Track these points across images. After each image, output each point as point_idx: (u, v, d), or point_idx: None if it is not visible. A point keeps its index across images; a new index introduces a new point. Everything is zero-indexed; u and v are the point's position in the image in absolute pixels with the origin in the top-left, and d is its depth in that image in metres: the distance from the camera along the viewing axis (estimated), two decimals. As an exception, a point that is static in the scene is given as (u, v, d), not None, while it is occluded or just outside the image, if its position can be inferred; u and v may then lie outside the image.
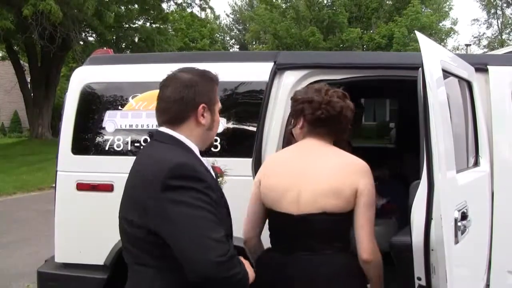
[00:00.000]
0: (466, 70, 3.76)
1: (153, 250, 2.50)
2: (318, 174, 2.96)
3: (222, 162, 3.92)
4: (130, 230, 2.57)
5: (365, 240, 2.88)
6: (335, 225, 2.93)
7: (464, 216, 3.00)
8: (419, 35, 2.96)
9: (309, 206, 2.92)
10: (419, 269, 2.89)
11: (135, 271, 2.62)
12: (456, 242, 2.91)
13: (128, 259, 2.66)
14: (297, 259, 2.95)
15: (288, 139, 3.78)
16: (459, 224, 2.92)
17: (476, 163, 3.82)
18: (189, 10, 46.55)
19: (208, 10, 45.07)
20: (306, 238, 2.94)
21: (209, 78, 2.84)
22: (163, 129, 2.70)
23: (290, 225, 2.98)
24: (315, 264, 2.91)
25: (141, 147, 4.08)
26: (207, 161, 2.74)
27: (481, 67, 4.01)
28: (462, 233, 2.98)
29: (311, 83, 4.05)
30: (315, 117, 3.10)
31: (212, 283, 2.34)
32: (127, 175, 2.66)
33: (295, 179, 2.99)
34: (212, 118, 2.75)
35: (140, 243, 2.53)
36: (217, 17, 66.77)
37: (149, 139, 2.77)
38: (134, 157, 4.04)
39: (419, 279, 2.90)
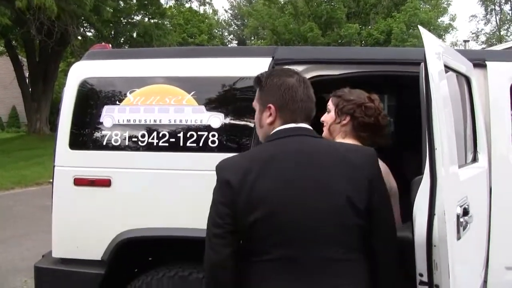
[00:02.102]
0: (464, 65, 3.76)
1: (362, 236, 2.62)
2: None
3: (220, 158, 3.94)
4: (353, 220, 2.57)
5: None
6: None
7: (465, 212, 2.99)
8: (422, 30, 2.95)
9: None
10: (421, 265, 2.88)
11: (349, 261, 2.59)
12: (459, 238, 2.91)
13: (330, 252, 2.56)
14: None
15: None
16: (461, 220, 2.92)
17: (475, 159, 3.82)
18: (187, 5, 46.58)
19: (207, 5, 45.09)
20: None
21: None
22: (306, 125, 2.76)
23: None
24: None
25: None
26: None
27: (479, 63, 4.01)
28: (464, 229, 2.97)
29: (309, 79, 4.05)
30: (365, 122, 3.42)
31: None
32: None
33: None
34: None
35: (359, 231, 2.60)
36: (215, 12, 66.75)
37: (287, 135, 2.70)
38: (132, 152, 4.08)
39: (421, 275, 2.90)
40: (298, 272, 2.52)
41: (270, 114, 2.76)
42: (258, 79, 2.88)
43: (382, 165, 3.05)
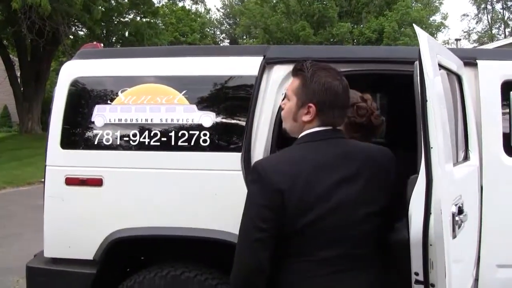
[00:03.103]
0: (455, 63, 3.76)
1: (378, 239, 2.80)
2: None
3: (211, 157, 3.94)
4: (371, 226, 2.73)
5: None
6: None
7: (460, 211, 3.00)
8: (417, 28, 2.96)
9: None
10: (416, 264, 2.88)
11: (377, 254, 2.81)
12: (454, 236, 2.91)
13: (368, 252, 2.77)
14: None
15: None
16: (456, 218, 2.92)
17: (466, 157, 3.83)
18: (180, 4, 46.53)
19: (200, 4, 45.04)
20: None
21: None
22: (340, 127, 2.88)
23: None
24: None
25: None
26: None
27: (470, 61, 4.01)
28: (459, 227, 2.98)
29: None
30: (357, 122, 3.40)
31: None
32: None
33: None
34: None
35: (376, 235, 2.78)
36: (208, 11, 66.71)
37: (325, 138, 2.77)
38: (124, 151, 4.07)
39: (417, 274, 2.90)
40: (339, 269, 2.64)
41: (309, 113, 2.75)
42: (301, 70, 2.85)
43: None
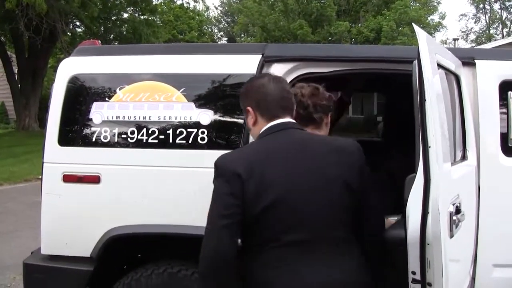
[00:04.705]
0: (454, 63, 3.77)
1: (353, 222, 2.82)
2: None
3: (209, 155, 3.93)
4: (349, 201, 2.78)
5: None
6: None
7: (458, 210, 3.01)
8: (416, 28, 2.96)
9: None
10: (414, 264, 2.89)
11: (350, 240, 2.81)
12: (451, 236, 2.92)
13: (334, 231, 2.77)
14: None
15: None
16: (453, 218, 2.93)
17: (464, 157, 3.84)
18: (179, 1, 46.46)
19: (199, 2, 44.99)
20: None
21: None
22: (290, 119, 2.95)
23: None
24: None
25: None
26: None
27: (468, 61, 4.02)
28: (456, 227, 2.99)
29: (299, 76, 4.06)
30: (300, 114, 3.33)
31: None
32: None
33: None
34: None
35: (354, 212, 2.82)
36: (206, 9, 66.69)
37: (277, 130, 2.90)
38: (122, 149, 4.07)
39: (414, 273, 2.91)
40: (310, 254, 2.69)
41: (251, 116, 2.95)
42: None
43: None
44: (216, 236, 2.65)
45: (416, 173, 2.97)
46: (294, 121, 2.94)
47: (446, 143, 3.03)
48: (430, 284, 2.82)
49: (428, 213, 2.77)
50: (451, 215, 2.91)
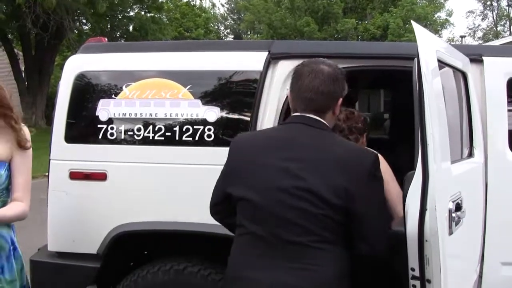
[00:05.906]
0: (461, 61, 3.75)
1: (337, 228, 2.65)
2: None
3: (215, 152, 3.92)
4: (316, 209, 2.61)
5: None
6: None
7: (458, 207, 3.00)
8: (415, 25, 2.95)
9: None
10: (413, 260, 2.88)
11: (314, 248, 2.64)
12: (450, 233, 2.91)
13: (294, 236, 2.65)
14: None
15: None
16: (453, 215, 2.92)
17: (471, 154, 3.82)
18: (185, -1, 46.48)
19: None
20: None
21: (343, 72, 2.98)
22: (311, 115, 2.81)
23: None
24: None
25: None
26: None
27: (476, 58, 4.00)
28: (456, 224, 2.98)
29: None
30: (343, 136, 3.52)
31: (380, 257, 2.81)
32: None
33: None
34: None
35: (327, 221, 2.62)
36: (213, 6, 66.73)
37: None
38: (128, 146, 4.07)
39: (413, 269, 2.90)
40: (263, 249, 2.68)
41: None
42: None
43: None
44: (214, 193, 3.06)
45: (415, 170, 2.97)
46: (314, 117, 2.79)
47: (446, 141, 3.02)
48: (429, 281, 2.82)
49: (426, 210, 2.77)
50: (450, 212, 2.90)
